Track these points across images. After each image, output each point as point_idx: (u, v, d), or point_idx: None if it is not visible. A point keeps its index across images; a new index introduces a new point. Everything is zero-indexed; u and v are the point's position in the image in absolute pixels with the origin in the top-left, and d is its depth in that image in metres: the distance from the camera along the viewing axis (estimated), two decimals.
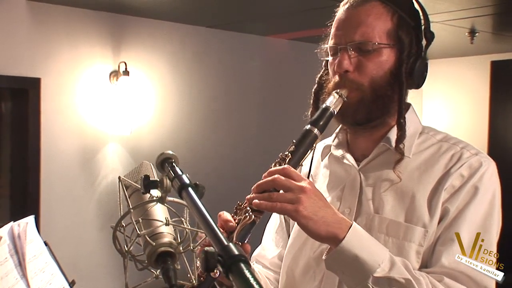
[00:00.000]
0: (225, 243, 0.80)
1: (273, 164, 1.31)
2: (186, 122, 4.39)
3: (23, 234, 1.30)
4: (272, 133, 4.77)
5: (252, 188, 1.27)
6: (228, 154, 4.64)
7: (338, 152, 1.50)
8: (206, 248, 0.78)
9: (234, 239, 1.22)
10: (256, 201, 1.22)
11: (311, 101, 1.51)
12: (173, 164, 1.02)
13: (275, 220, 1.61)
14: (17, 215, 1.36)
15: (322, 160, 1.55)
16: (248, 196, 1.26)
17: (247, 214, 1.23)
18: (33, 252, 1.32)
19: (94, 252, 3.88)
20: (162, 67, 4.26)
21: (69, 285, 1.36)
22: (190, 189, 0.96)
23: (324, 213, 1.21)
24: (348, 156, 1.47)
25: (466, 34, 4.41)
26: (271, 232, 1.62)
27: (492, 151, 5.26)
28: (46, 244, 1.39)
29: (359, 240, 1.22)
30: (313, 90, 1.53)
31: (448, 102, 5.78)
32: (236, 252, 0.78)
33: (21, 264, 1.28)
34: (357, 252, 1.20)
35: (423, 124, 1.47)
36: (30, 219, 1.36)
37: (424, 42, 1.42)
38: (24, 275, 1.27)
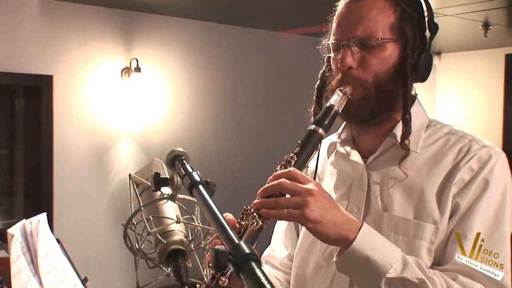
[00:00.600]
0: (236, 241, 0.79)
1: (278, 166, 1.29)
2: (198, 118, 4.39)
3: (35, 231, 1.30)
4: (284, 130, 4.75)
5: (258, 192, 1.25)
6: (240, 150, 4.63)
7: (344, 149, 1.48)
8: (217, 247, 0.78)
9: None
10: (264, 210, 1.20)
11: (314, 97, 1.49)
12: (184, 161, 1.01)
13: None
14: (31, 212, 1.37)
15: (328, 158, 1.52)
16: (255, 201, 1.24)
17: (254, 220, 1.22)
18: (46, 250, 1.32)
19: (106, 249, 3.90)
20: (173, 63, 4.26)
21: (82, 282, 1.36)
22: (200, 186, 0.95)
23: (333, 215, 1.19)
24: (355, 153, 1.44)
25: (480, 27, 4.36)
26: (280, 232, 1.60)
27: (507, 145, 5.21)
28: (58, 241, 1.39)
29: (370, 241, 1.20)
30: (315, 86, 1.51)
31: (461, 96, 5.73)
32: (247, 251, 0.77)
33: (33, 261, 1.28)
34: (368, 253, 1.18)
35: (430, 118, 1.44)
36: (42, 216, 1.36)
37: (428, 34, 1.39)
38: (36, 272, 1.27)
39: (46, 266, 1.29)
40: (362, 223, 1.23)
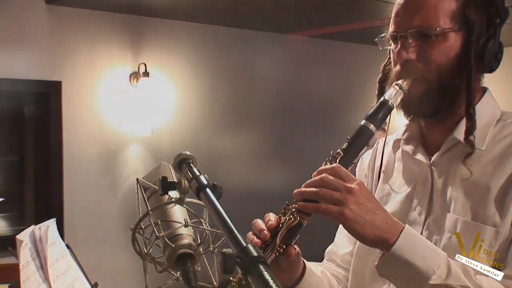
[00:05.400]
0: (244, 244, 0.79)
1: (324, 163, 1.23)
2: (207, 121, 4.39)
3: (45, 237, 1.30)
4: (295, 133, 4.75)
5: (297, 191, 1.19)
6: (249, 153, 4.63)
7: (409, 147, 1.39)
8: (224, 250, 0.77)
9: (278, 242, 1.16)
10: (301, 203, 1.16)
11: (376, 91, 1.39)
12: (191, 164, 1.01)
13: None
14: (41, 219, 1.36)
15: (394, 154, 1.45)
16: (295, 191, 1.19)
17: (291, 216, 1.18)
18: (55, 255, 1.32)
19: (117, 254, 3.90)
20: (181, 67, 4.27)
21: (92, 287, 1.36)
22: (207, 189, 0.94)
23: (373, 216, 1.14)
24: (420, 150, 1.37)
25: None
26: None
27: None
28: (68, 246, 1.39)
29: (411, 245, 1.14)
30: (377, 80, 1.42)
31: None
32: (255, 253, 0.76)
33: (43, 267, 1.28)
34: (409, 258, 1.13)
35: (503, 110, 1.33)
36: (52, 222, 1.36)
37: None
38: (46, 278, 1.27)
39: (55, 272, 1.29)
40: (405, 226, 1.17)
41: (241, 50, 4.58)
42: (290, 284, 1.35)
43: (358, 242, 1.41)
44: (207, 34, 4.38)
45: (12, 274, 1.31)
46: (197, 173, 0.99)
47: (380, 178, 1.45)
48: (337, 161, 1.22)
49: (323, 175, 1.16)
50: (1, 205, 3.78)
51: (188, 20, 4.21)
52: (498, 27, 1.28)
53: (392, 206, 1.38)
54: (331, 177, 1.16)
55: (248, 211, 1.28)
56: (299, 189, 1.19)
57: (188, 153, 1.03)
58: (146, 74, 3.92)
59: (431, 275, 1.12)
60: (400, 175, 1.41)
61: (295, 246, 1.22)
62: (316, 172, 1.20)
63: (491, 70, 1.30)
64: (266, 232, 1.17)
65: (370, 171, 1.49)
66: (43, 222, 1.33)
